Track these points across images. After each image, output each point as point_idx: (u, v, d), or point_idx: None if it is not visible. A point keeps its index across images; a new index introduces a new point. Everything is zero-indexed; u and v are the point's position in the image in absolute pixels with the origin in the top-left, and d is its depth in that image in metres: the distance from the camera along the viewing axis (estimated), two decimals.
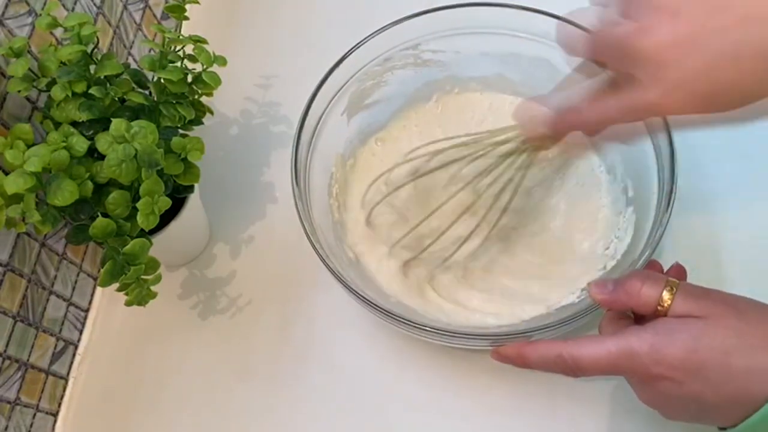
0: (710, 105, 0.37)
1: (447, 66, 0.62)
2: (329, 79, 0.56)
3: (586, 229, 0.57)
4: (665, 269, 0.47)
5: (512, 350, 0.45)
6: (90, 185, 0.48)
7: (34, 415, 0.55)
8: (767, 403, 0.36)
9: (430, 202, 0.56)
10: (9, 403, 0.52)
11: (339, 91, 0.58)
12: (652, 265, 0.47)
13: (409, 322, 0.47)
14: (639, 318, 0.43)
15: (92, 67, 0.51)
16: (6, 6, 0.50)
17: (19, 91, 0.49)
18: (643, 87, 0.37)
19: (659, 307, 0.40)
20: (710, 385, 0.38)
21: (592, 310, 0.46)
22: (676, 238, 0.56)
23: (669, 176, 0.49)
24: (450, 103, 0.64)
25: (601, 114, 0.41)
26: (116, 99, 0.52)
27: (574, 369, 0.42)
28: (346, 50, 0.57)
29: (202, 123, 0.57)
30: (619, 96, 0.39)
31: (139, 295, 0.49)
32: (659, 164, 0.52)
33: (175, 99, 0.54)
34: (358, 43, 0.57)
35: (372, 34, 0.57)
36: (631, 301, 0.41)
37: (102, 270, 0.48)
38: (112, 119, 0.48)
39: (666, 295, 0.40)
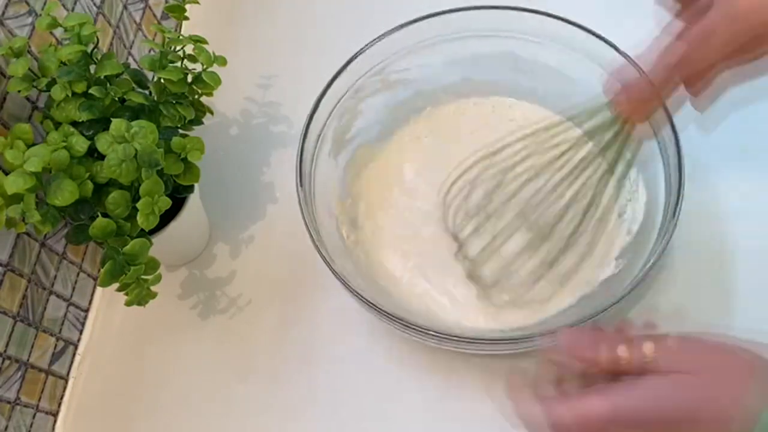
0: None
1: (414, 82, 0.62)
2: (336, 80, 0.56)
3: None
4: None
5: (512, 390, 0.42)
6: (90, 185, 0.48)
7: (34, 415, 0.55)
8: None
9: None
10: (9, 403, 0.52)
11: (343, 96, 0.58)
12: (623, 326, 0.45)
13: (412, 326, 0.47)
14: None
15: (92, 67, 0.51)
16: (6, 6, 0.50)
17: (19, 91, 0.49)
18: None
19: (643, 364, 0.38)
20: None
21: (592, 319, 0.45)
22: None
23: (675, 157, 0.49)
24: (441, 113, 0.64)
25: (705, 34, 0.41)
26: (116, 99, 0.52)
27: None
28: (346, 50, 0.57)
29: (202, 123, 0.57)
30: (714, 7, 0.40)
31: (139, 295, 0.49)
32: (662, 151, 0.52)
33: (175, 99, 0.54)
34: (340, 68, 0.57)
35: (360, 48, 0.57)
36: (615, 363, 0.39)
37: (102, 270, 0.48)
38: (112, 119, 0.48)
39: (649, 351, 0.38)
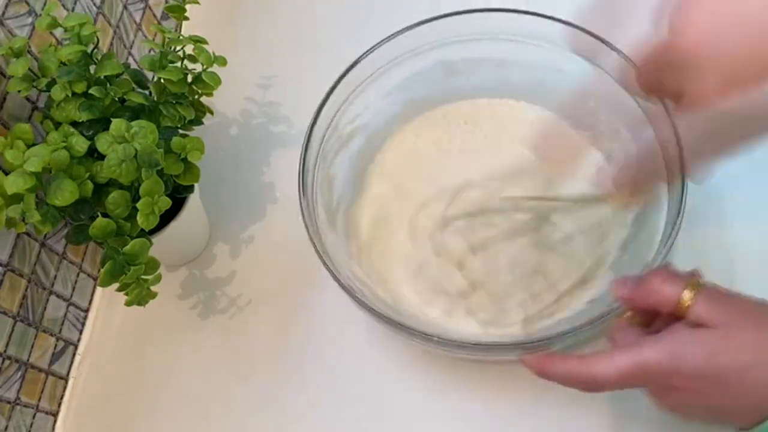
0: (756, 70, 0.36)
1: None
2: (332, 93, 0.56)
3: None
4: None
5: (534, 362, 0.44)
6: (90, 185, 0.48)
7: (34, 415, 0.55)
8: None
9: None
10: (9, 403, 0.52)
11: (349, 95, 0.58)
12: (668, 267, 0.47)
13: (418, 333, 0.47)
14: (651, 326, 0.43)
15: (92, 67, 0.51)
16: (6, 6, 0.50)
17: (19, 91, 0.49)
18: (697, 79, 0.37)
19: (679, 307, 0.39)
20: (728, 395, 0.38)
21: (603, 319, 0.45)
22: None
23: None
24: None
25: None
26: (116, 99, 0.52)
27: (591, 386, 0.41)
28: (346, 50, 0.56)
29: (202, 123, 0.57)
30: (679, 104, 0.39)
31: (139, 295, 0.49)
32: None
33: (175, 99, 0.54)
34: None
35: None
36: (652, 298, 0.41)
37: (102, 270, 0.48)
38: (112, 119, 0.48)
39: (687, 295, 0.39)
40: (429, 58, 0.60)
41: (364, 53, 0.56)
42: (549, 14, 0.55)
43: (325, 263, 0.49)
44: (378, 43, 0.56)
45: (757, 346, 0.37)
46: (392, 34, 0.57)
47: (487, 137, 0.62)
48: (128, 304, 0.50)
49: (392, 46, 0.57)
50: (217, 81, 0.55)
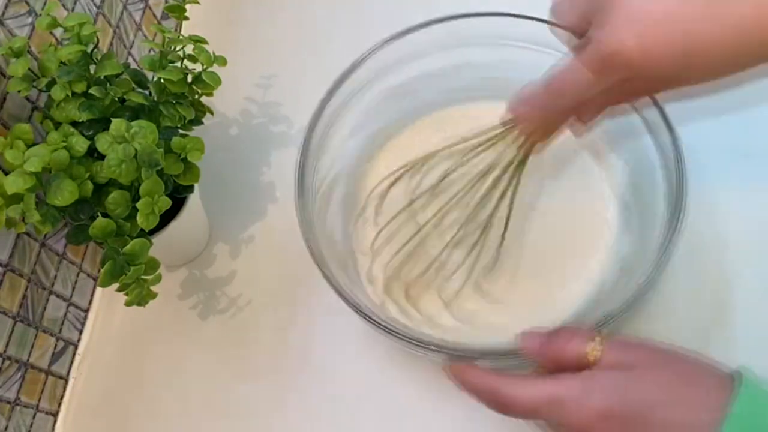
0: (686, 62, 0.37)
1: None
2: (336, 91, 0.56)
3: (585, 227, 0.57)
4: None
5: (456, 369, 0.44)
6: (90, 185, 0.48)
7: (34, 415, 0.55)
8: None
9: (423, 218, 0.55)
10: (9, 403, 0.52)
11: (348, 96, 0.58)
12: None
13: (404, 337, 0.47)
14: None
15: (92, 67, 0.51)
16: (6, 6, 0.50)
17: (19, 91, 0.49)
18: (611, 31, 0.37)
19: (588, 360, 0.39)
20: None
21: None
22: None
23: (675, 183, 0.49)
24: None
25: (572, 73, 0.41)
26: (116, 99, 0.52)
27: (501, 405, 0.41)
28: (346, 50, 0.56)
29: (202, 123, 0.57)
30: (588, 48, 0.39)
31: (139, 295, 0.49)
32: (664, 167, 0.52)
33: (175, 99, 0.54)
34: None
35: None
36: (559, 355, 0.41)
37: (102, 270, 0.48)
38: (112, 119, 0.48)
39: (595, 349, 0.39)
40: (431, 60, 0.60)
41: (363, 56, 0.56)
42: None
43: (318, 265, 0.50)
44: (377, 45, 0.56)
45: (667, 386, 0.37)
46: (393, 36, 0.57)
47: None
48: (128, 304, 0.50)
49: (392, 48, 0.57)
50: (217, 81, 0.55)
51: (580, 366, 0.40)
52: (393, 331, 0.47)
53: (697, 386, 0.37)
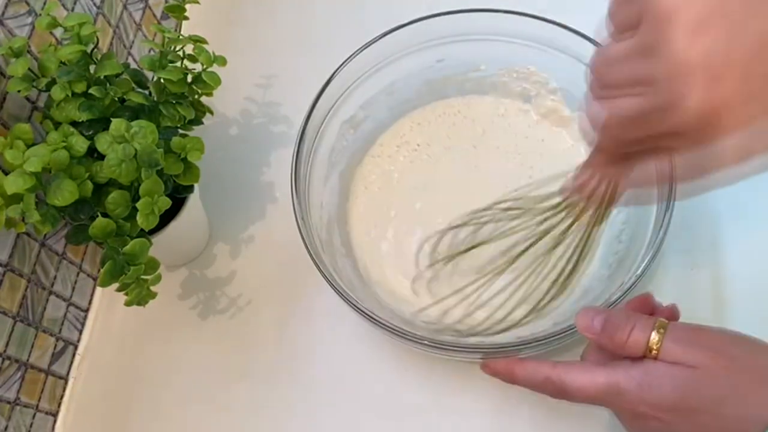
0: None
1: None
2: (326, 90, 0.56)
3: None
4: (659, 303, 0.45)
5: (502, 366, 0.45)
6: (90, 185, 0.48)
7: (34, 415, 0.55)
8: None
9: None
10: (9, 403, 0.52)
11: (337, 100, 0.58)
12: (644, 301, 0.45)
13: (404, 333, 0.47)
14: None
15: (92, 67, 0.51)
16: (6, 6, 0.50)
17: (19, 91, 0.49)
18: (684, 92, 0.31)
19: (647, 353, 0.39)
20: (701, 428, 0.37)
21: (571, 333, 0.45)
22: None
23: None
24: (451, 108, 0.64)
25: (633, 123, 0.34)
26: (116, 99, 0.52)
27: (560, 392, 0.42)
28: (346, 50, 0.57)
29: (202, 123, 0.57)
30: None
31: (139, 295, 0.49)
32: None
33: (175, 99, 0.54)
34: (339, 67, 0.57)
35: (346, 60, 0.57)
36: (618, 348, 0.40)
37: (102, 270, 0.48)
38: (112, 119, 0.48)
39: (654, 340, 0.39)
40: (423, 56, 0.60)
41: (356, 51, 0.57)
42: (557, 21, 0.55)
43: (316, 263, 0.50)
44: (371, 41, 0.57)
45: (731, 382, 0.37)
46: (386, 32, 0.57)
47: (484, 133, 0.62)
48: (128, 304, 0.50)
49: (386, 44, 0.57)
50: (217, 81, 0.55)
51: (639, 356, 0.40)
52: (393, 329, 0.47)
53: (762, 376, 0.37)
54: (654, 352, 0.39)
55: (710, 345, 0.39)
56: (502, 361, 0.45)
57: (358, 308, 0.48)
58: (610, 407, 0.41)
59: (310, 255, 0.50)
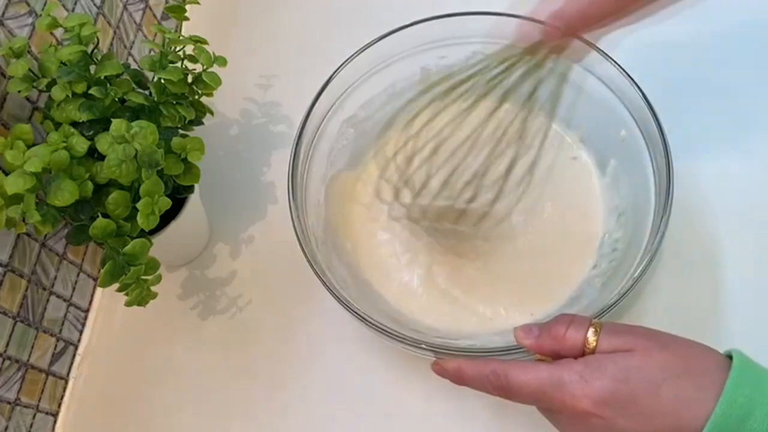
0: None
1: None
2: (326, 90, 0.56)
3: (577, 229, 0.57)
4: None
5: (452, 364, 0.45)
6: (90, 185, 0.48)
7: (34, 415, 0.55)
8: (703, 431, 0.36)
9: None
10: (9, 403, 0.52)
11: (336, 101, 0.58)
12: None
13: (396, 335, 0.47)
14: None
15: (92, 68, 0.51)
16: (6, 6, 0.50)
17: (19, 92, 0.49)
18: None
19: (586, 348, 0.40)
20: (641, 419, 0.37)
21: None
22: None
23: (665, 178, 0.49)
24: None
25: None
26: (116, 99, 0.52)
27: (504, 388, 0.42)
28: (346, 50, 0.57)
29: (202, 123, 0.57)
30: None
31: (139, 295, 0.49)
32: (654, 167, 0.52)
33: (175, 99, 0.54)
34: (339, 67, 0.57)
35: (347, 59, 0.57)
36: (557, 345, 0.41)
37: (102, 270, 0.48)
38: (112, 119, 0.48)
39: (591, 336, 0.40)
40: (424, 58, 0.60)
41: (356, 51, 0.56)
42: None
43: (310, 263, 0.50)
44: (371, 42, 0.57)
45: (666, 364, 0.38)
46: (386, 33, 0.57)
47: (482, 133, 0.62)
48: (128, 304, 0.50)
49: (386, 45, 0.57)
50: (217, 81, 0.55)
51: (579, 353, 0.40)
52: (388, 331, 0.47)
53: (697, 363, 0.38)
54: (592, 345, 0.40)
55: (644, 333, 0.40)
56: (452, 359, 0.45)
57: (350, 308, 0.48)
58: (552, 407, 0.41)
59: (305, 254, 0.50)
